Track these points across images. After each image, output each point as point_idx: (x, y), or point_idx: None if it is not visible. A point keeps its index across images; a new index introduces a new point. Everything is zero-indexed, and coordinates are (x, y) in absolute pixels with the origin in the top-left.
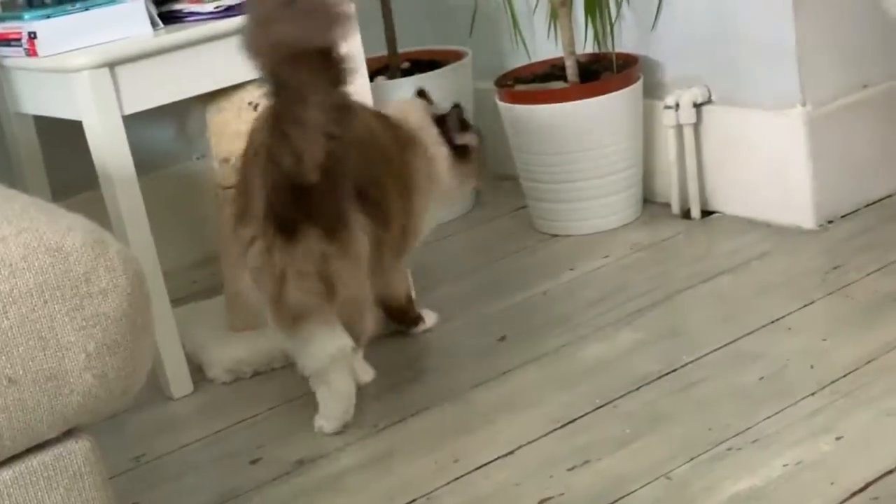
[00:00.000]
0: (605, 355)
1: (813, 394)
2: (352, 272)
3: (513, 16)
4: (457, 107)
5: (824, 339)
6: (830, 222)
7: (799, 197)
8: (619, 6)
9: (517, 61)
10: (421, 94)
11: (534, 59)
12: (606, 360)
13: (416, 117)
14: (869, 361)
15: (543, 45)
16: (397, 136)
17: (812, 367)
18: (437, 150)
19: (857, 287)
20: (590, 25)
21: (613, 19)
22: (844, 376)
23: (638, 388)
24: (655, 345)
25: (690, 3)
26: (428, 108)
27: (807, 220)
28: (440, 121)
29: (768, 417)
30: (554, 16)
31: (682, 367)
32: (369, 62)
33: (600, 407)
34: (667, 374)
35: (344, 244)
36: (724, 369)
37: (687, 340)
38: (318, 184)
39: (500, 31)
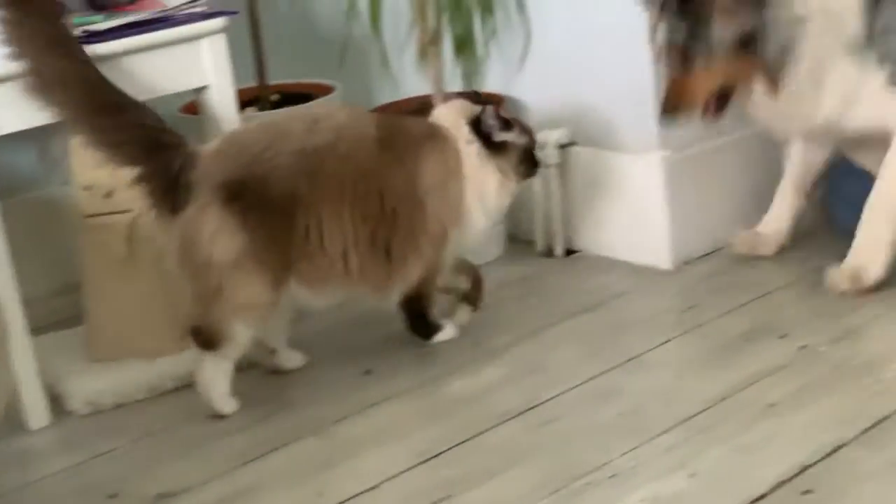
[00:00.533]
0: (469, 390)
1: (668, 430)
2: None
3: (383, 51)
4: (492, 103)
5: (679, 377)
6: (686, 263)
7: (657, 238)
8: (487, 46)
9: (387, 97)
10: (474, 94)
11: (403, 95)
12: (470, 395)
13: (448, 118)
14: (722, 399)
15: (413, 81)
16: (383, 142)
17: (667, 404)
18: (467, 147)
19: (711, 326)
20: (459, 64)
21: (482, 59)
22: (699, 413)
23: (501, 424)
24: (518, 380)
25: (556, 47)
26: (465, 107)
27: (664, 260)
28: (475, 121)
29: (625, 453)
30: (423, 53)
31: (544, 402)
32: (239, 93)
33: (464, 442)
34: (529, 409)
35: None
36: (583, 405)
37: (549, 377)
38: None
39: (370, 65)
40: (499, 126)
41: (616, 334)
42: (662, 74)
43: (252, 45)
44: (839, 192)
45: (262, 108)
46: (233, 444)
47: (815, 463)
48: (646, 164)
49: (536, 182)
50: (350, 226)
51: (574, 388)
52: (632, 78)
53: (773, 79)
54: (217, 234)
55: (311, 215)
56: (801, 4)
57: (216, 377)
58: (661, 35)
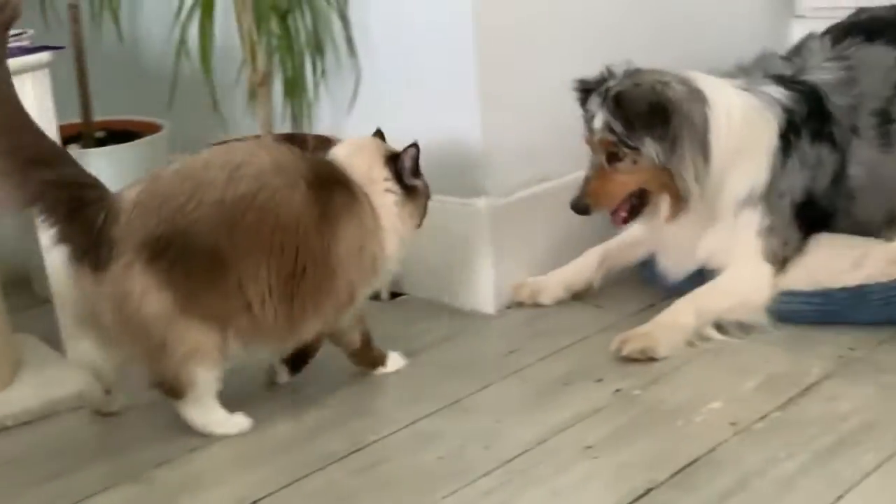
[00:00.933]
0: (292, 434)
1: (488, 473)
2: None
3: (212, 91)
4: (414, 146)
5: (499, 421)
6: (509, 308)
7: (481, 283)
8: (317, 88)
9: (217, 136)
10: (378, 133)
11: (233, 135)
12: (293, 439)
13: (363, 159)
14: (541, 442)
15: (243, 122)
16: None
17: (487, 447)
18: (383, 197)
19: (531, 370)
20: (288, 105)
21: (311, 100)
22: (518, 456)
23: (324, 467)
24: (342, 424)
25: (385, 89)
26: (381, 147)
27: (487, 304)
28: (393, 158)
29: (446, 496)
30: (253, 94)
31: (368, 445)
32: (62, 129)
33: (286, 486)
34: (353, 452)
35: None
36: (406, 449)
37: (373, 420)
38: None
39: (199, 104)
40: (412, 170)
41: (440, 378)
42: (585, 165)
43: (77, 80)
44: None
45: (85, 145)
46: (49, 490)
47: None
48: (471, 209)
49: None
50: (266, 279)
51: (397, 431)
52: (459, 125)
53: (678, 205)
54: (145, 293)
55: (234, 268)
56: (723, 140)
57: (206, 415)
58: (597, 126)
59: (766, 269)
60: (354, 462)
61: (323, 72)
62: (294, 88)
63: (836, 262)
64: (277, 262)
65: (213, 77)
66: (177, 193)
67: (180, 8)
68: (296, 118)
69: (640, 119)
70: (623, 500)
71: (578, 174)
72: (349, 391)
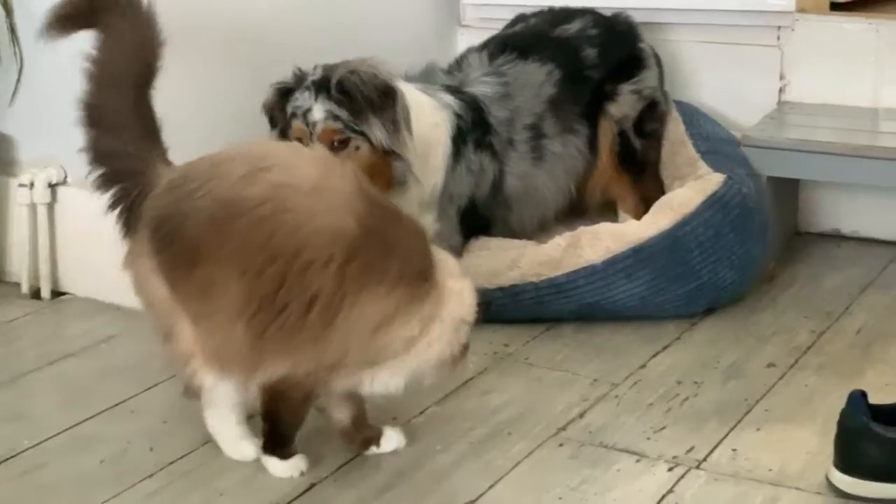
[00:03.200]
0: None
1: (151, 475)
2: None
3: None
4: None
5: (165, 422)
6: None
7: None
8: None
9: None
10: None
11: None
12: None
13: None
14: (205, 443)
15: None
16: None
17: (152, 449)
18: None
19: None
20: None
21: None
22: (183, 457)
23: None
24: None
25: (51, 83)
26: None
27: None
28: None
29: (107, 500)
30: None
31: (24, 451)
32: None
33: None
34: (9, 458)
35: None
36: (66, 453)
37: (29, 424)
38: None
39: None
40: None
41: (102, 380)
42: None
43: None
44: None
45: None
46: None
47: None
48: None
49: (23, 221)
50: (235, 296)
51: (56, 435)
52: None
53: (390, 193)
54: (148, 275)
55: (206, 269)
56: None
57: (218, 426)
58: (317, 117)
59: None
60: (11, 468)
61: None
62: None
63: (493, 263)
64: (251, 285)
65: None
66: (197, 177)
67: None
68: None
69: (369, 102)
70: (286, 498)
71: None
72: (2, 395)
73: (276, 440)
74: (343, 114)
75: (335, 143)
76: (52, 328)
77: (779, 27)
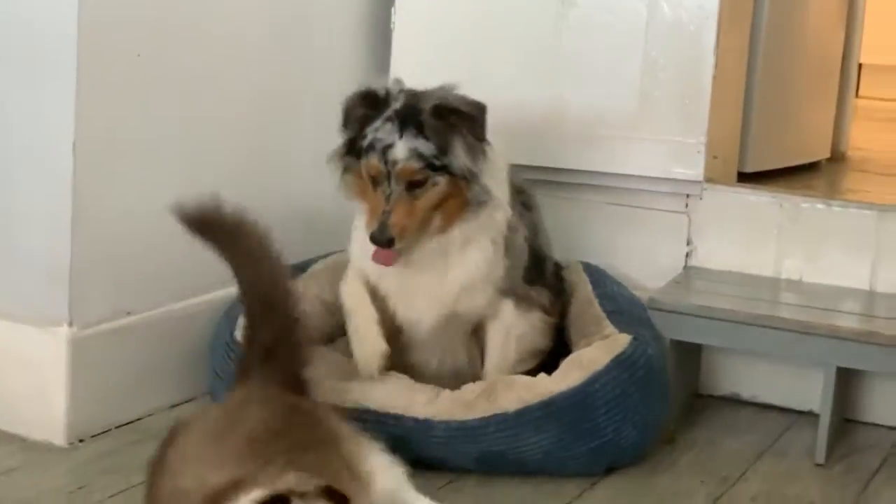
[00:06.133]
0: None
1: None
2: None
3: None
4: None
5: None
6: (81, 441)
7: (54, 414)
8: None
9: None
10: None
11: None
12: None
13: None
14: None
15: None
16: None
17: None
18: None
19: None
20: None
21: None
22: None
23: None
24: None
25: None
26: None
27: (59, 437)
28: None
29: None
30: None
31: None
32: None
33: None
34: None
35: None
36: None
37: None
38: None
39: None
40: None
41: None
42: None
43: None
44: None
45: None
46: None
47: None
48: (52, 338)
49: None
50: None
51: None
52: (47, 250)
53: (458, 214)
54: None
55: None
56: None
57: None
58: (399, 155)
59: None
60: None
61: None
62: None
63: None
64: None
65: None
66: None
67: None
68: None
69: (459, 116)
70: None
71: (166, 308)
72: None
73: None
74: (428, 149)
75: (415, 182)
76: None
77: (687, 195)
